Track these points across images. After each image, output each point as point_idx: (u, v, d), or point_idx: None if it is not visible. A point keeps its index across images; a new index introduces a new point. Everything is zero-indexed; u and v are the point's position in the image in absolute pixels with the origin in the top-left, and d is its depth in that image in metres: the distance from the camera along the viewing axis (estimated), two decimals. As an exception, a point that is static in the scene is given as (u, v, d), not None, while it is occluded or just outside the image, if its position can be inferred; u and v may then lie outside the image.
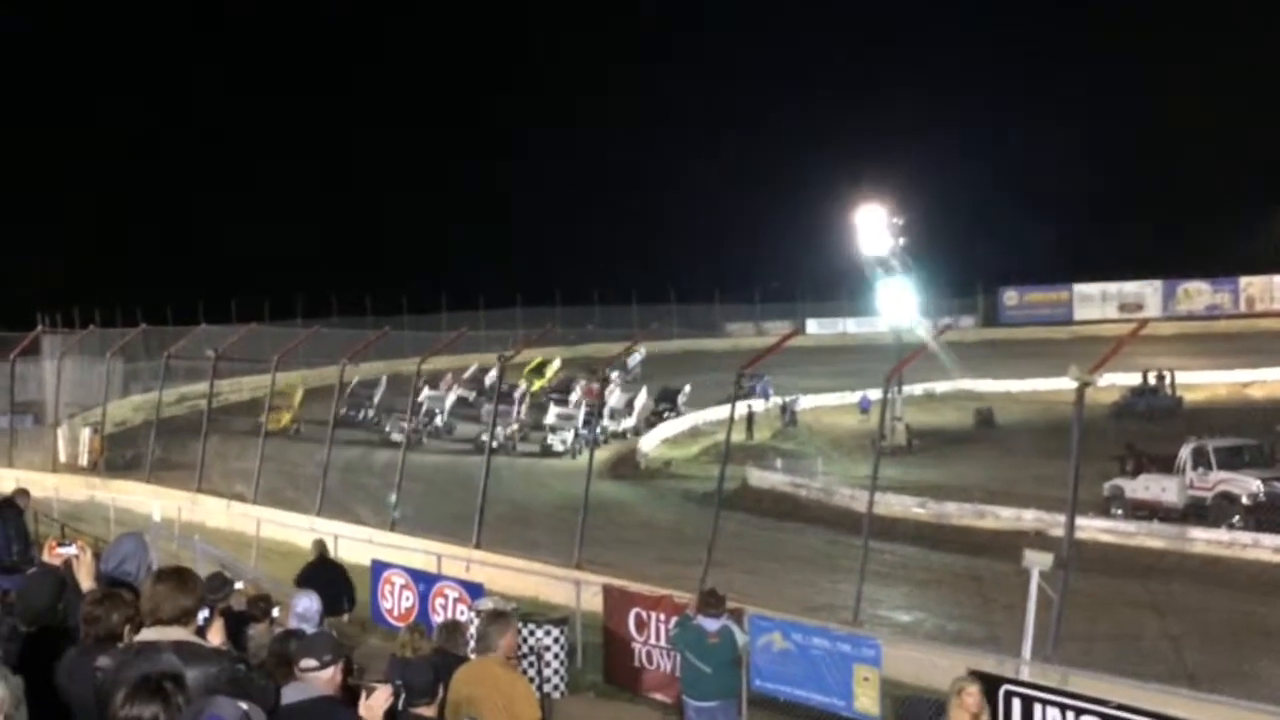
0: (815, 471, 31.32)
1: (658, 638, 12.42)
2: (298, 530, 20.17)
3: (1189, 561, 21.61)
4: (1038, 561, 11.56)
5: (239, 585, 8.51)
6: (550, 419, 37.81)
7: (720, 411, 35.38)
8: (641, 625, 12.71)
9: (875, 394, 36.51)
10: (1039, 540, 18.80)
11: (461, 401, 41.48)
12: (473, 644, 8.37)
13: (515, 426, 37.42)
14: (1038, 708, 9.11)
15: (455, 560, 17.00)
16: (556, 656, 12.10)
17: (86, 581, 5.53)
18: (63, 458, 30.71)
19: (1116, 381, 37.37)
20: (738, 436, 31.64)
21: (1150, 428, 33.11)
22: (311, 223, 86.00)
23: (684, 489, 30.90)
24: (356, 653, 8.51)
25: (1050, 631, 11.68)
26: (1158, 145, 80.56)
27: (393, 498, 21.09)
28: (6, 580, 6.99)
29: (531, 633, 11.91)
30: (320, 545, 14.97)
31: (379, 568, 15.89)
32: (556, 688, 11.96)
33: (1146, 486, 25.51)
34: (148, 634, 4.38)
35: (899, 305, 47.67)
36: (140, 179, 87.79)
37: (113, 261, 69.62)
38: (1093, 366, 12.80)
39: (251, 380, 34.58)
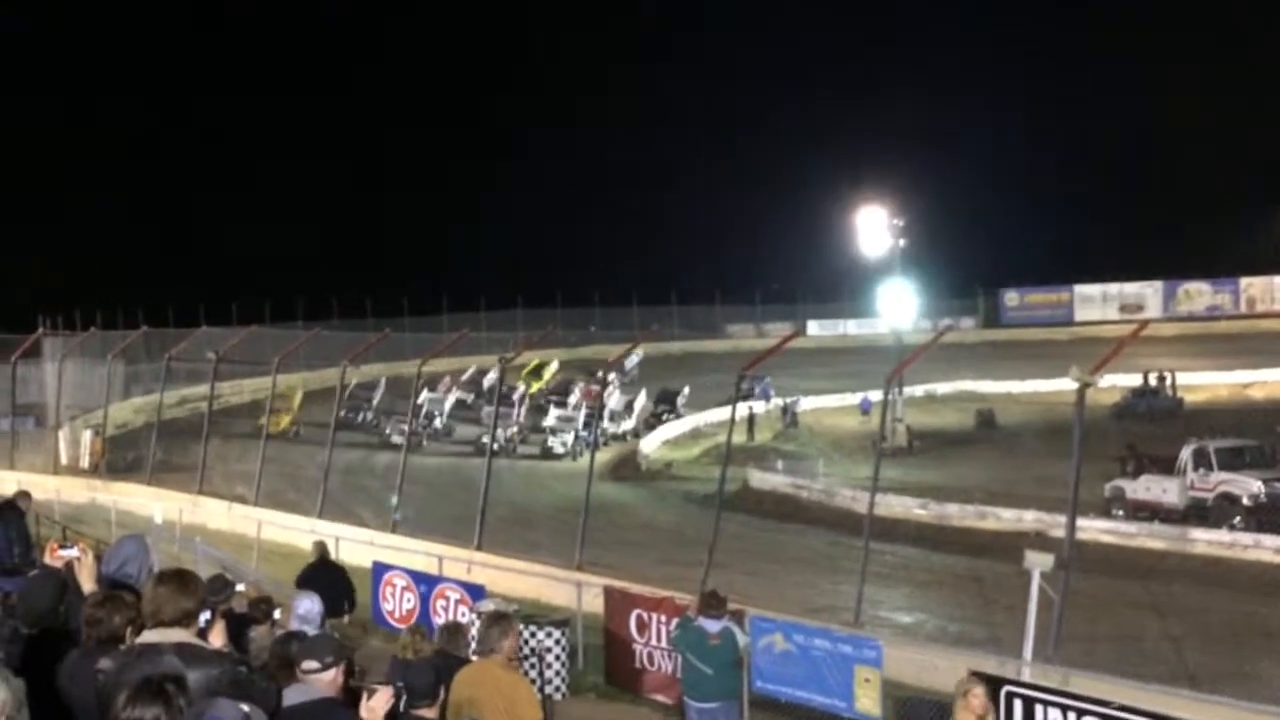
0: (816, 473, 31.32)
1: (659, 639, 12.42)
2: (299, 532, 20.16)
3: (1190, 562, 21.61)
4: (1039, 562, 11.56)
5: (240, 587, 8.52)
6: (550, 421, 37.83)
7: (721, 413, 35.40)
8: (643, 627, 12.71)
9: (876, 395, 36.51)
10: (1040, 541, 18.80)
11: (460, 404, 41.48)
12: (474, 645, 8.38)
13: (515, 429, 37.43)
14: (1039, 709, 9.11)
15: (456, 562, 16.99)
16: (558, 658, 12.11)
17: (88, 584, 5.53)
18: (64, 460, 30.71)
19: (1117, 382, 37.35)
20: (739, 438, 31.66)
21: (1151, 429, 33.10)
22: (311, 223, 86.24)
23: (685, 490, 30.90)
24: (358, 654, 8.50)
25: (1051, 632, 11.68)
26: (1158, 145, 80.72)
27: (394, 500, 21.08)
28: (8, 582, 6.98)
29: (533, 634, 11.92)
30: (321, 547, 14.97)
31: (380, 569, 15.89)
32: (558, 689, 11.97)
33: (1147, 487, 25.51)
34: (149, 636, 4.38)
35: (899, 307, 47.78)
36: (140, 179, 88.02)
37: (113, 261, 69.71)
38: (1093, 367, 12.81)
39: (252, 382, 34.58)
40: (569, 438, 36.27)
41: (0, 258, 63.34)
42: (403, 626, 11.35)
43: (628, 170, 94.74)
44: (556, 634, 12.32)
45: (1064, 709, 9.00)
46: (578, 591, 14.55)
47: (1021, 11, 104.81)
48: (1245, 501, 23.69)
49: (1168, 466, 25.52)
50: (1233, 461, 24.62)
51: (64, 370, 31.48)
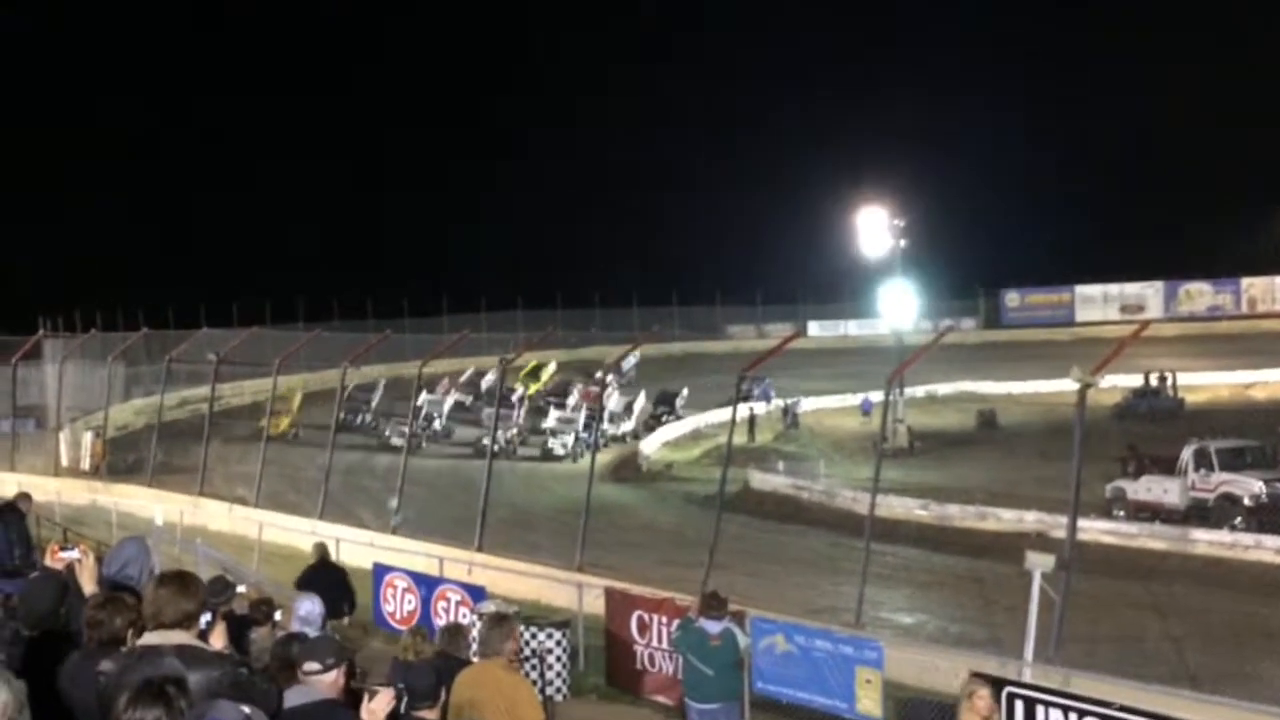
0: (817, 474, 31.32)
1: (660, 640, 12.42)
2: (300, 534, 20.16)
3: (1191, 563, 21.61)
4: (1040, 563, 11.56)
5: (241, 589, 8.53)
6: (551, 422, 37.81)
7: (722, 414, 35.38)
8: (644, 628, 12.70)
9: (877, 396, 36.48)
10: (1041, 542, 18.82)
11: (458, 405, 41.43)
12: (475, 647, 8.37)
13: (515, 430, 37.41)
14: (1040, 709, 9.10)
15: (457, 563, 16.99)
16: (559, 659, 12.10)
17: (89, 586, 5.53)
18: (64, 462, 30.69)
19: (1118, 383, 37.38)
20: (739, 439, 31.65)
21: (1152, 429, 33.09)
22: (311, 223, 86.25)
23: (686, 491, 30.89)
24: (358, 656, 8.50)
25: (1052, 633, 11.68)
26: (1158, 145, 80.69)
27: (393, 504, 21.04)
28: (9, 584, 6.99)
29: (534, 635, 11.91)
30: (321, 548, 14.97)
31: (381, 571, 15.89)
32: (559, 690, 11.96)
33: (1148, 488, 25.52)
34: (150, 638, 4.38)
35: (900, 307, 47.79)
36: (140, 179, 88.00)
37: (113, 261, 69.72)
38: (1094, 368, 12.81)
39: (253, 384, 34.58)
40: (569, 439, 36.26)
41: (0, 258, 63.51)
42: (403, 628, 11.35)
43: (628, 170, 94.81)
44: (557, 635, 12.31)
45: (1065, 710, 8.99)
46: (579, 593, 14.55)
47: (1021, 11, 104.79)
48: (1246, 502, 23.70)
49: (1169, 467, 25.53)
50: (1234, 462, 24.62)
51: (64, 372, 31.47)
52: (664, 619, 12.35)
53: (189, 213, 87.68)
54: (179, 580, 4.58)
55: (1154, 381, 41.24)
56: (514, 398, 39.97)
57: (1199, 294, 67.71)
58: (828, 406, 45.00)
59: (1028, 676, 10.45)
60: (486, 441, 23.24)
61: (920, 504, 26.06)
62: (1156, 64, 78.91)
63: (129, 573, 5.65)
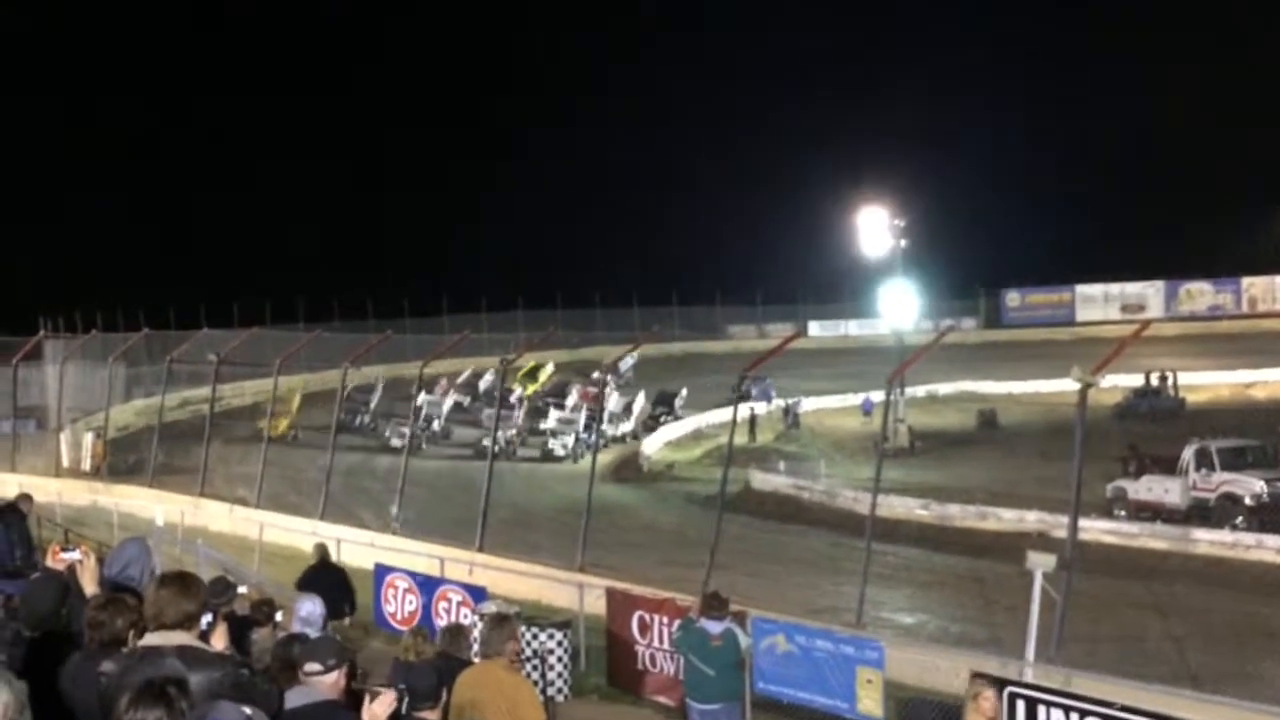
0: (818, 474, 31.33)
1: (661, 641, 12.41)
2: (301, 534, 20.15)
3: (1192, 563, 21.61)
4: (1041, 563, 11.56)
5: (242, 590, 8.51)
6: (551, 423, 37.81)
7: (723, 414, 35.40)
8: (645, 628, 12.70)
9: (878, 396, 36.49)
10: (1042, 542, 18.81)
11: (456, 407, 41.40)
12: (476, 647, 8.37)
13: (514, 431, 37.40)
14: (1041, 709, 9.10)
15: (458, 564, 16.99)
16: (560, 660, 12.10)
17: (90, 586, 5.53)
18: (65, 462, 30.69)
19: (1119, 383, 37.38)
20: (740, 439, 31.66)
21: (1153, 429, 33.09)
22: (311, 223, 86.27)
23: (687, 492, 30.89)
24: (359, 656, 8.50)
25: (1054, 633, 11.68)
26: (1158, 145, 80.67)
27: (394, 510, 20.97)
28: (10, 585, 6.98)
29: (535, 636, 11.91)
30: (321, 549, 14.96)
31: (382, 571, 15.88)
32: (560, 691, 11.97)
33: (1149, 488, 25.51)
34: (151, 639, 4.37)
35: (901, 307, 47.79)
36: (140, 179, 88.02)
37: (113, 261, 69.79)
38: (1095, 368, 12.80)
39: (254, 384, 34.60)
40: (569, 440, 36.26)
41: (0, 258, 63.53)
42: (404, 628, 11.35)
43: (628, 170, 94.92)
44: (559, 635, 12.32)
45: (1066, 710, 8.99)
46: (580, 593, 14.55)
47: (1021, 11, 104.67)
48: (1247, 501, 23.71)
49: (1170, 467, 25.52)
50: (1235, 461, 24.62)
51: (65, 373, 31.49)
52: (665, 619, 12.34)
53: (189, 213, 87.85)
54: (180, 581, 4.57)
55: (1155, 381, 41.23)
56: (512, 398, 39.95)
57: (1199, 293, 67.71)
58: (828, 406, 45.01)
59: (1029, 676, 10.45)
60: (487, 443, 23.22)
61: (921, 504, 26.06)
62: (1156, 64, 78.99)
63: (130, 573, 5.65)
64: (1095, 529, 22.02)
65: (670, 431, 40.64)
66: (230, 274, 68.24)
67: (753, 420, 38.76)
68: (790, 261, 73.63)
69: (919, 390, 43.11)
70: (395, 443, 32.77)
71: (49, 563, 6.12)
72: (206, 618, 4.62)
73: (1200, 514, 24.30)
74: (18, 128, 76.06)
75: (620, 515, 26.33)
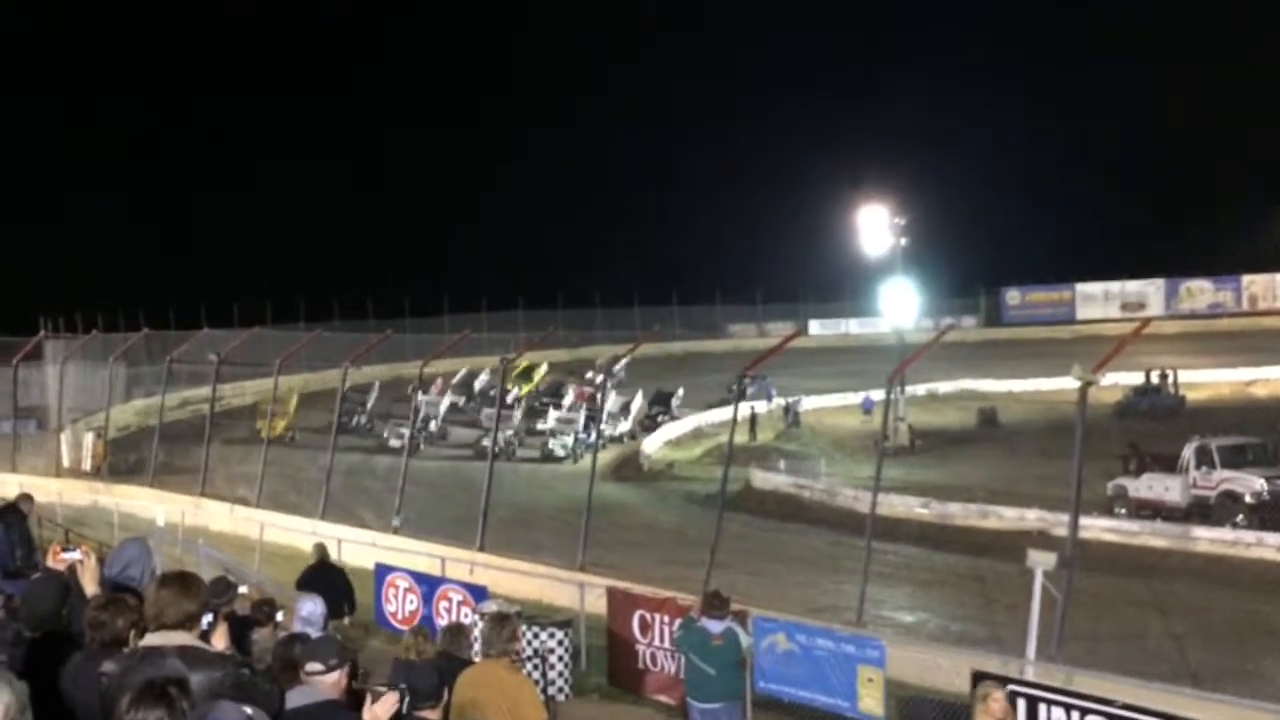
0: (818, 472, 31.31)
1: (662, 640, 12.42)
2: (301, 534, 20.15)
3: (1192, 561, 21.62)
4: (1041, 561, 11.56)
5: (243, 589, 8.51)
6: (550, 423, 37.80)
7: (723, 413, 35.39)
8: (645, 627, 12.71)
9: (878, 394, 36.48)
10: (1042, 540, 18.80)
11: (452, 407, 41.33)
12: (477, 647, 8.37)
13: (512, 431, 37.36)
14: (1042, 708, 9.11)
15: (459, 563, 16.99)
16: (561, 659, 12.11)
17: (91, 586, 5.53)
18: (66, 462, 30.70)
19: (1119, 381, 37.38)
20: (741, 438, 31.65)
21: (1153, 427, 33.10)
22: (311, 223, 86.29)
23: (687, 491, 30.89)
24: (360, 656, 8.50)
25: (1054, 631, 11.68)
26: (1158, 145, 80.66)
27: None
28: (11, 585, 6.99)
29: (536, 635, 11.92)
30: (321, 549, 14.94)
31: (383, 571, 15.89)
32: (561, 690, 11.97)
33: (1150, 486, 25.51)
34: (152, 639, 4.37)
35: (901, 306, 47.78)
36: (140, 179, 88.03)
37: (113, 261, 69.82)
38: (1095, 366, 12.80)
39: (254, 384, 34.59)
40: (569, 440, 36.25)
41: (0, 258, 63.55)
42: (405, 628, 11.36)
43: (628, 170, 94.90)
44: (559, 635, 12.32)
45: (1068, 708, 9.00)
46: (580, 592, 14.55)
47: (1021, 11, 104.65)
48: (1248, 499, 23.71)
49: (1170, 465, 25.52)
50: (1235, 459, 24.63)
51: (65, 373, 31.50)
52: (666, 618, 12.35)
53: (189, 213, 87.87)
54: (181, 581, 4.57)
55: (1155, 379, 41.23)
56: (508, 399, 39.90)
57: (1200, 291, 67.71)
58: (829, 405, 45.00)
59: (1030, 675, 10.45)
60: (486, 443, 23.22)
61: (921, 502, 26.06)
62: (1156, 64, 78.99)
63: (131, 574, 5.65)
64: (1096, 527, 22.04)
65: (670, 430, 40.63)
66: (230, 274, 68.37)
67: (753, 419, 38.76)
68: (790, 260, 73.78)
69: (919, 389, 43.09)
70: (394, 443, 32.74)
71: (50, 563, 6.12)
72: (207, 618, 4.62)
73: (1201, 512, 24.30)
74: (18, 128, 76.22)
75: (621, 514, 26.33)
